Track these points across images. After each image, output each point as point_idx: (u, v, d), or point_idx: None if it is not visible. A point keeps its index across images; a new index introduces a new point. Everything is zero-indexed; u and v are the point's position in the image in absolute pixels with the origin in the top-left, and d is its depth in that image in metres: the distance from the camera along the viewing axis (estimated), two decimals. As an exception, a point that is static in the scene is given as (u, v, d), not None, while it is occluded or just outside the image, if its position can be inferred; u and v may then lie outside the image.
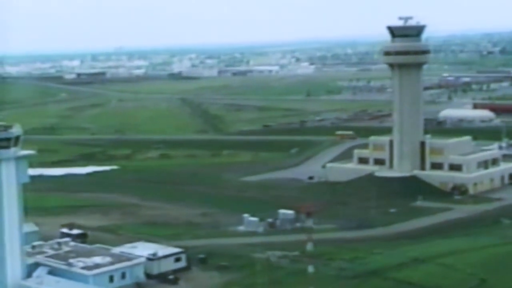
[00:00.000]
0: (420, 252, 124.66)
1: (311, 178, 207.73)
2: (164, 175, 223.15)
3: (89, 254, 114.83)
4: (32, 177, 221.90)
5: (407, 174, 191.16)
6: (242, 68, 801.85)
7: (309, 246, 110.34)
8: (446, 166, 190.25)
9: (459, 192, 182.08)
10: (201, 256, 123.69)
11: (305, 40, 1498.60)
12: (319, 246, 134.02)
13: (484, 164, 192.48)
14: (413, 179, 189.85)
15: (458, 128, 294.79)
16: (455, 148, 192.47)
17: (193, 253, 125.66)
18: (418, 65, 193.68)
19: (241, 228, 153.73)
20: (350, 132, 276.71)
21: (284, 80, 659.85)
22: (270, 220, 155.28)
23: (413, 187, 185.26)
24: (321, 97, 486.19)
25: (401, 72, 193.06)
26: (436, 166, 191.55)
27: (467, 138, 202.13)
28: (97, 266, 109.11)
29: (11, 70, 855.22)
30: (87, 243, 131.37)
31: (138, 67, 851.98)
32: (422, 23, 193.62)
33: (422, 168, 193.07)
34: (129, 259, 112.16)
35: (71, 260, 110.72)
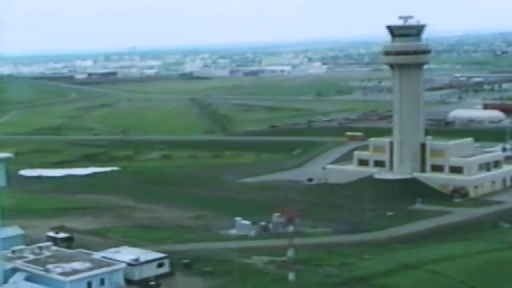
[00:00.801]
0: (412, 257, 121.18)
1: (310, 180, 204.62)
2: (163, 177, 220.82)
3: (69, 260, 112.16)
4: (31, 178, 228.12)
5: (407, 176, 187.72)
6: (254, 68, 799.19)
7: (290, 253, 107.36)
8: (446, 168, 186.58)
9: (459, 195, 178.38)
10: (186, 261, 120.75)
11: (319, 40, 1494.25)
12: (309, 250, 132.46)
13: (486, 166, 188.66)
14: (413, 181, 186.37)
15: (466, 129, 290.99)
16: (456, 150, 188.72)
17: (179, 258, 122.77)
18: (418, 65, 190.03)
19: (233, 231, 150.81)
20: (360, 133, 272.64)
21: (295, 80, 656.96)
22: (262, 223, 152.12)
23: (412, 190, 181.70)
24: (331, 97, 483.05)
25: (401, 73, 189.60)
26: (437, 168, 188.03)
27: (468, 139, 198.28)
28: (75, 272, 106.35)
29: (24, 70, 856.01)
30: (72, 247, 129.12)
31: (151, 67, 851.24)
32: (422, 22, 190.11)
33: (423, 170, 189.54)
34: (108, 265, 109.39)
35: (49, 266, 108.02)
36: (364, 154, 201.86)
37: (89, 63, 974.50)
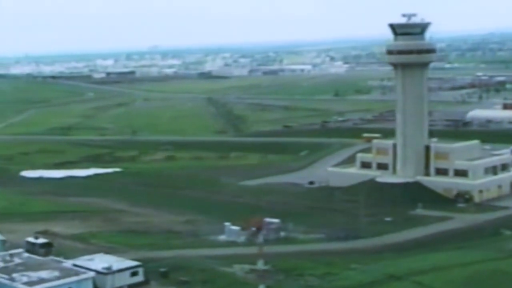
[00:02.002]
0: (399, 267, 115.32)
1: (311, 183, 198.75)
2: (163, 179, 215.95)
3: (38, 268, 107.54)
4: (31, 179, 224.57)
5: (409, 180, 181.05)
6: (274, 67, 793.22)
7: (260, 264, 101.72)
8: (451, 172, 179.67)
9: (463, 199, 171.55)
10: (163, 269, 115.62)
11: (342, 39, 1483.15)
12: (295, 258, 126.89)
13: (493, 169, 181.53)
14: (416, 185, 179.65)
15: (483, 130, 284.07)
16: (461, 152, 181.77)
17: (156, 266, 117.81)
18: (422, 65, 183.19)
19: (222, 237, 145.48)
20: (378, 135, 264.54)
21: (314, 79, 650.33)
22: (253, 229, 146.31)
23: (415, 194, 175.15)
24: (349, 97, 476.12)
25: (404, 72, 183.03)
26: (441, 171, 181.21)
27: (475, 142, 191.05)
28: (41, 281, 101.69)
29: (46, 69, 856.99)
30: (51, 253, 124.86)
31: (171, 66, 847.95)
32: (426, 20, 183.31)
33: (427, 173, 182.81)
34: (77, 274, 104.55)
35: (15, 275, 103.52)
36: (367, 157, 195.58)
37: (110, 62, 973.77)
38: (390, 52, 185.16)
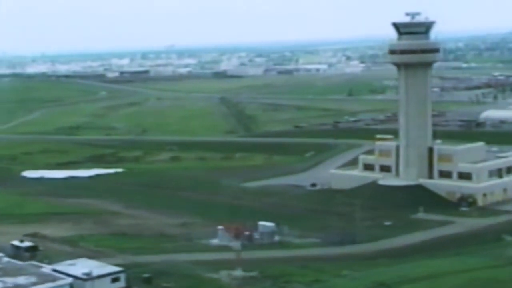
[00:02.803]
0: (391, 275, 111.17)
1: (313, 185, 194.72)
2: (164, 180, 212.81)
3: (16, 273, 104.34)
4: (32, 180, 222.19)
5: (412, 182, 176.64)
6: (290, 66, 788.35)
7: (238, 272, 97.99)
8: (455, 175, 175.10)
9: (466, 203, 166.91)
10: (146, 275, 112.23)
11: (359, 38, 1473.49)
12: (286, 264, 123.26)
13: (498, 172, 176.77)
14: (418, 188, 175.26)
15: (495, 131, 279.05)
16: (465, 155, 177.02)
17: (141, 271, 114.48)
18: (425, 65, 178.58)
19: (215, 241, 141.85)
20: (391, 136, 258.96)
21: (329, 79, 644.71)
22: (246, 233, 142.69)
23: (417, 197, 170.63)
24: (363, 97, 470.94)
25: (407, 72, 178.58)
26: (445, 174, 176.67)
27: (479, 143, 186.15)
28: (16, 287, 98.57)
29: (61, 68, 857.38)
30: (37, 257, 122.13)
31: (187, 66, 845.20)
32: (430, 19, 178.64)
33: (430, 176, 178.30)
34: (54, 280, 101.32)
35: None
36: (369, 159, 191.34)
37: (125, 61, 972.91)
38: (392, 52, 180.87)
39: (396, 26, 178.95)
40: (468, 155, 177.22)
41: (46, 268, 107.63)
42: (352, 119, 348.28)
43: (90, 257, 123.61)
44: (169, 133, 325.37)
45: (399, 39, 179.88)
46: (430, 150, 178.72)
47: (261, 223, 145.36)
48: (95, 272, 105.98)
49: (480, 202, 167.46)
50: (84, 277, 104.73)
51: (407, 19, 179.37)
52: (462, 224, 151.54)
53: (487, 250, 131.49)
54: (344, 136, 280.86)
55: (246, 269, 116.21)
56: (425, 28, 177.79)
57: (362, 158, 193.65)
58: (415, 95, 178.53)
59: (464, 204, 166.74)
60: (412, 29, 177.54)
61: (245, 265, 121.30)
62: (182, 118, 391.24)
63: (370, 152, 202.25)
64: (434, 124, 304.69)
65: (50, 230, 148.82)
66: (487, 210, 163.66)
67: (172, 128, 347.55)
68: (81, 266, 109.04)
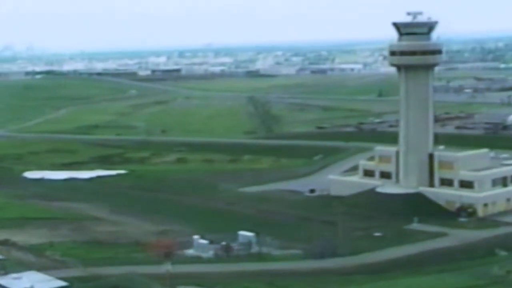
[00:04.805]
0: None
1: (312, 191, 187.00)
2: (163, 183, 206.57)
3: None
4: (32, 181, 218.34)
5: (411, 190, 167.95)
6: (325, 66, 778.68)
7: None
8: (456, 183, 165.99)
9: (466, 213, 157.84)
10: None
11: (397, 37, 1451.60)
12: (250, 281, 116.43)
13: (502, 181, 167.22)
14: (417, 196, 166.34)
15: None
16: (468, 162, 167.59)
17: (95, 285, 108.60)
18: (427, 67, 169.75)
19: (190, 251, 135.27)
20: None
21: (362, 79, 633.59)
22: (223, 243, 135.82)
23: (415, 206, 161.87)
24: (392, 97, 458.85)
25: (408, 75, 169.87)
26: (446, 182, 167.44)
27: (484, 150, 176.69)
28: None
29: (98, 66, 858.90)
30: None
31: (222, 64, 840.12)
32: (433, 19, 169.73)
33: (431, 184, 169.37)
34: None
35: None
36: (369, 164, 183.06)
37: (162, 59, 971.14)
38: (392, 53, 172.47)
39: (396, 26, 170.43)
40: (470, 162, 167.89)
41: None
42: (377, 120, 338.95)
43: (51, 268, 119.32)
44: (188, 133, 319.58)
45: (399, 39, 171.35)
46: (431, 157, 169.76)
47: (241, 233, 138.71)
48: (38, 287, 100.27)
49: (480, 213, 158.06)
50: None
51: (408, 19, 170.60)
52: (455, 237, 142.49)
53: (475, 267, 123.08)
54: (359, 139, 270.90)
55: (208, 285, 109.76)
56: (427, 28, 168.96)
57: (362, 164, 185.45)
58: (416, 99, 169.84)
59: (463, 214, 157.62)
60: (413, 30, 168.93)
61: (209, 279, 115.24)
62: (206, 118, 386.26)
63: (372, 157, 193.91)
64: (459, 127, 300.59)
65: (23, 236, 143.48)
66: (486, 221, 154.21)
67: (193, 128, 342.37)
68: (26, 280, 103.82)
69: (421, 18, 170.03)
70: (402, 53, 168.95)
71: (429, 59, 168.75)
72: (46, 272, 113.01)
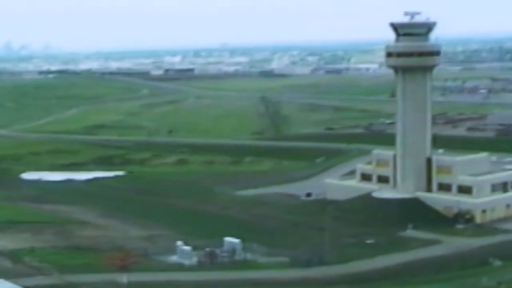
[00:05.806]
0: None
1: (308, 195, 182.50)
2: (159, 185, 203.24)
3: None
4: (28, 182, 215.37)
5: (408, 196, 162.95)
6: (341, 66, 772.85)
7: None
8: (454, 188, 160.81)
9: (463, 220, 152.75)
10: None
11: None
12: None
13: (503, 186, 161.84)
14: (414, 202, 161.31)
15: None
16: (466, 166, 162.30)
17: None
18: (425, 69, 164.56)
19: (173, 258, 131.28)
20: None
21: (376, 79, 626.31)
22: (208, 249, 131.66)
23: (411, 212, 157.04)
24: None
25: (405, 77, 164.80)
26: (444, 187, 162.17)
27: (483, 154, 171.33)
28: None
29: (113, 65, 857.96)
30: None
31: (238, 64, 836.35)
32: (432, 19, 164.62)
33: (429, 189, 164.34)
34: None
35: None
36: (367, 168, 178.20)
37: (177, 59, 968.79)
38: (389, 55, 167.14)
39: (394, 26, 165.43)
40: (469, 166, 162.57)
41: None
42: (387, 121, 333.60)
43: (25, 275, 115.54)
44: (195, 133, 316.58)
45: (396, 40, 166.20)
46: (429, 161, 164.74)
47: (227, 239, 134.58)
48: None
49: (478, 219, 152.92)
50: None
51: (406, 19, 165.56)
52: (449, 245, 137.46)
53: (466, 277, 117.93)
54: (367, 141, 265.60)
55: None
56: (425, 29, 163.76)
57: (360, 168, 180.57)
58: (413, 101, 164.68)
59: (461, 220, 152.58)
60: (411, 30, 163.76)
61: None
62: (215, 118, 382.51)
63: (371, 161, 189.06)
64: (470, 128, 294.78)
65: (4, 241, 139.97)
66: (484, 228, 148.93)
67: (201, 128, 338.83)
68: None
69: (419, 19, 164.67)
70: (399, 54, 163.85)
71: (427, 60, 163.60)
72: (19, 280, 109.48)
